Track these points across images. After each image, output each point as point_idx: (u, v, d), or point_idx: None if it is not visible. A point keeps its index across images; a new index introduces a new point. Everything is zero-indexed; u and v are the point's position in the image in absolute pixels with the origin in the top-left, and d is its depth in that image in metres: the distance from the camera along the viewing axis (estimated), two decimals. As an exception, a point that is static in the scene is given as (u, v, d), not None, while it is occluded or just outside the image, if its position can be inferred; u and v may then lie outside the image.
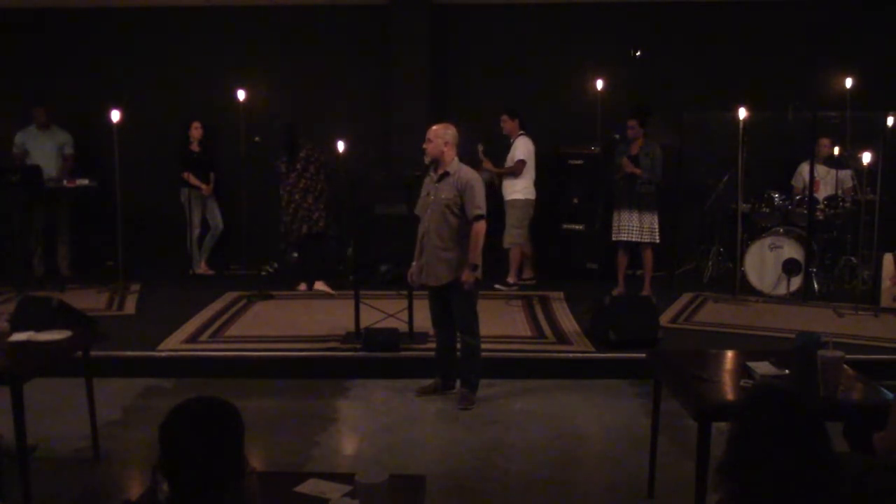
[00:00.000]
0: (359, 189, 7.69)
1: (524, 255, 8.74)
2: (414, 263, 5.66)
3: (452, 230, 5.40)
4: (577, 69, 9.05)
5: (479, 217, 5.37)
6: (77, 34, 9.45)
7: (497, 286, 8.30)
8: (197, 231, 9.10)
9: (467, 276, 5.36)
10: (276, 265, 8.73)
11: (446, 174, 5.42)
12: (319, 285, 8.42)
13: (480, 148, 8.52)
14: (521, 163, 8.36)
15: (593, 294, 7.31)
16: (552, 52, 9.33)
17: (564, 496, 4.36)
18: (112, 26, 9.46)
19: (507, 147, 8.60)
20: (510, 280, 8.44)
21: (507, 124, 8.54)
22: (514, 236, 8.43)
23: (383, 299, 7.10)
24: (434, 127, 5.49)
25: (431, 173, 5.54)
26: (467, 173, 5.44)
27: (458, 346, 5.65)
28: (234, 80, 8.48)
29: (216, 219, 9.20)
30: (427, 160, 5.51)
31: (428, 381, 5.82)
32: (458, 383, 5.70)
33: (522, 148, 8.39)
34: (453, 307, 5.52)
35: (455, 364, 5.71)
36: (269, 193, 8.56)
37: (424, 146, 5.46)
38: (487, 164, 8.47)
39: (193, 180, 8.88)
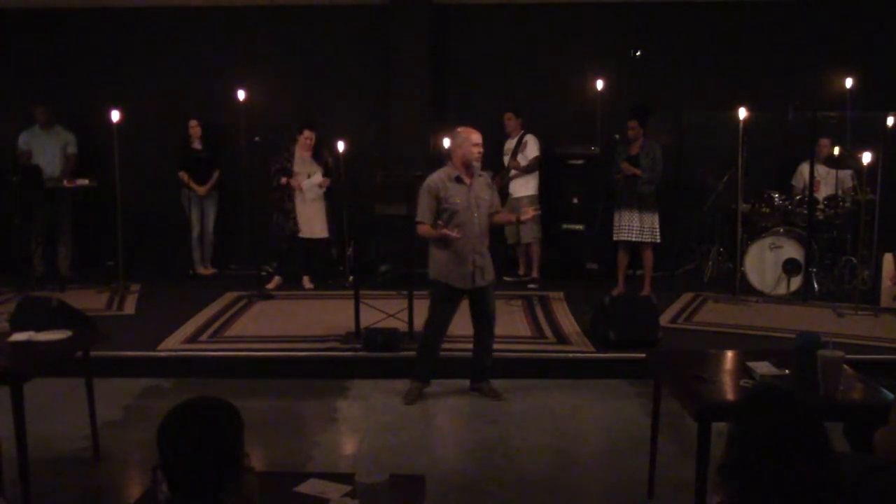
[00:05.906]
0: (359, 189, 7.69)
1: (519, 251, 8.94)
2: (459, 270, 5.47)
3: (489, 227, 5.63)
4: (577, 69, 9.05)
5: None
6: (77, 34, 9.44)
7: (531, 286, 8.50)
8: (198, 230, 9.11)
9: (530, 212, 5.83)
10: (275, 265, 8.73)
11: (478, 175, 5.59)
12: (306, 281, 8.58)
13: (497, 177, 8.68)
14: (537, 159, 8.60)
15: (593, 294, 7.31)
16: (552, 52, 9.34)
17: (564, 496, 4.36)
18: (112, 26, 9.46)
19: (501, 145, 8.75)
20: (535, 275, 8.62)
21: (513, 122, 8.74)
22: (536, 231, 8.64)
23: (383, 299, 7.11)
24: (476, 132, 5.49)
25: (464, 178, 5.44)
26: (483, 172, 5.74)
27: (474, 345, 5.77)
28: (234, 80, 8.47)
29: (209, 224, 9.19)
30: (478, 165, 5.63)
31: (407, 386, 5.71)
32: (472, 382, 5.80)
33: (535, 145, 8.63)
34: (488, 304, 5.62)
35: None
36: (270, 193, 8.57)
37: (481, 150, 5.50)
38: (515, 164, 8.62)
39: (188, 180, 8.86)
